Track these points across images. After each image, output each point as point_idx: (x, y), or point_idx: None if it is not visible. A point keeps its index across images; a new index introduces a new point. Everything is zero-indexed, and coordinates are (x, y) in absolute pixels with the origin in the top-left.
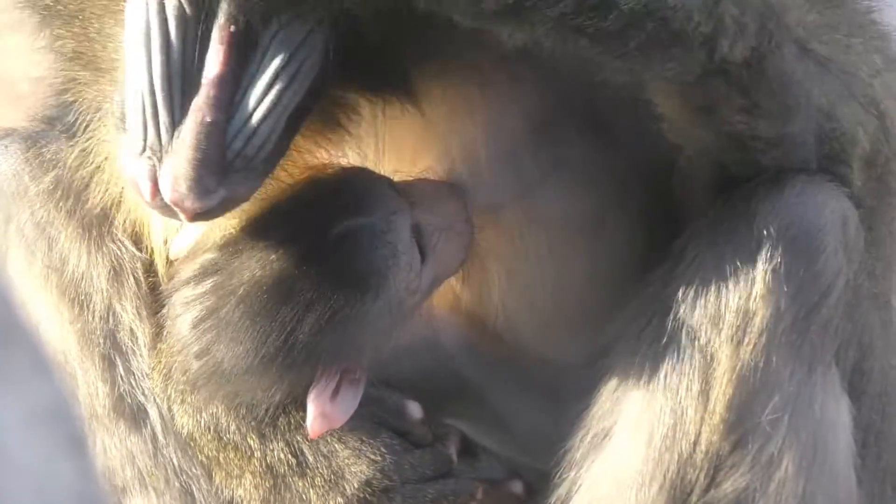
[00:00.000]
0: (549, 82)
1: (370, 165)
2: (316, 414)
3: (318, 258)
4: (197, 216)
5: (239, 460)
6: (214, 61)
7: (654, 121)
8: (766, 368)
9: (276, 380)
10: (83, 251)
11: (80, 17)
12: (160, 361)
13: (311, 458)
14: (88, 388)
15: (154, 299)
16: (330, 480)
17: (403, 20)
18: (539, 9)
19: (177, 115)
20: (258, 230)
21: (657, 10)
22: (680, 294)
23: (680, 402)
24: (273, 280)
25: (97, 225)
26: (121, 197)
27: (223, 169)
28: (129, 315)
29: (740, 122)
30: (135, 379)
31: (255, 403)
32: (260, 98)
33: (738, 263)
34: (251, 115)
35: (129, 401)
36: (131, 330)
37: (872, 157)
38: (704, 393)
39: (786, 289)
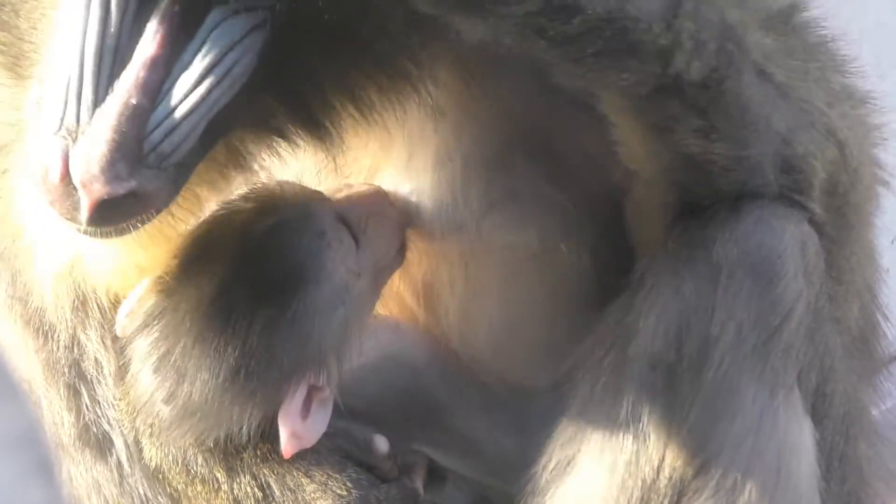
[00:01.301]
0: (502, 112)
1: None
2: (288, 434)
3: (249, 264)
4: (100, 207)
5: (206, 493)
6: (150, 42)
7: (609, 147)
8: (727, 393)
9: (246, 398)
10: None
11: (7, 7)
12: (127, 393)
13: (277, 492)
14: (54, 416)
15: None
16: None
17: (348, 26)
18: (505, 4)
19: (100, 95)
20: (186, 261)
21: (618, 19)
22: (640, 322)
23: (642, 428)
24: (212, 298)
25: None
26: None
27: (137, 158)
28: (94, 344)
29: (696, 145)
30: (100, 408)
31: (233, 430)
32: (188, 91)
33: (698, 291)
34: (176, 107)
35: (95, 430)
36: (96, 359)
37: (832, 187)
38: (666, 419)
39: (746, 314)
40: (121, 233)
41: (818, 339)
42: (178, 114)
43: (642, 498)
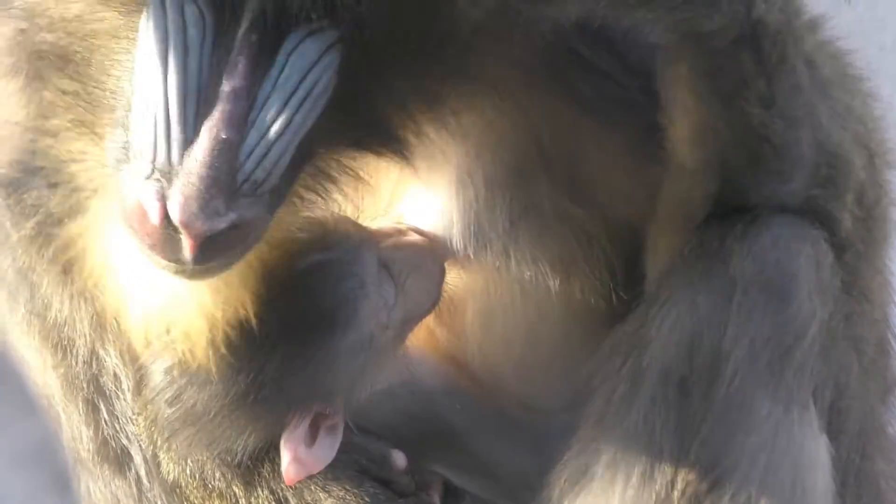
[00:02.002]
0: (524, 130)
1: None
2: (290, 459)
3: (286, 295)
4: (203, 244)
5: None
6: (233, 74)
7: (634, 166)
8: (741, 409)
9: (249, 421)
10: (66, 296)
11: (78, 57)
12: (146, 408)
13: None
14: (73, 432)
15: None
16: None
17: (417, 34)
18: None
19: (189, 133)
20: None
21: None
22: (654, 334)
23: (656, 441)
24: (241, 318)
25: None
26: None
27: (233, 191)
28: (113, 359)
29: (757, 114)
30: (119, 423)
31: (230, 448)
32: (274, 117)
33: (712, 304)
34: (264, 134)
35: (114, 444)
36: (115, 374)
37: (861, 194)
38: (680, 432)
39: (759, 331)
40: (224, 267)
41: (833, 357)
42: (267, 141)
43: None
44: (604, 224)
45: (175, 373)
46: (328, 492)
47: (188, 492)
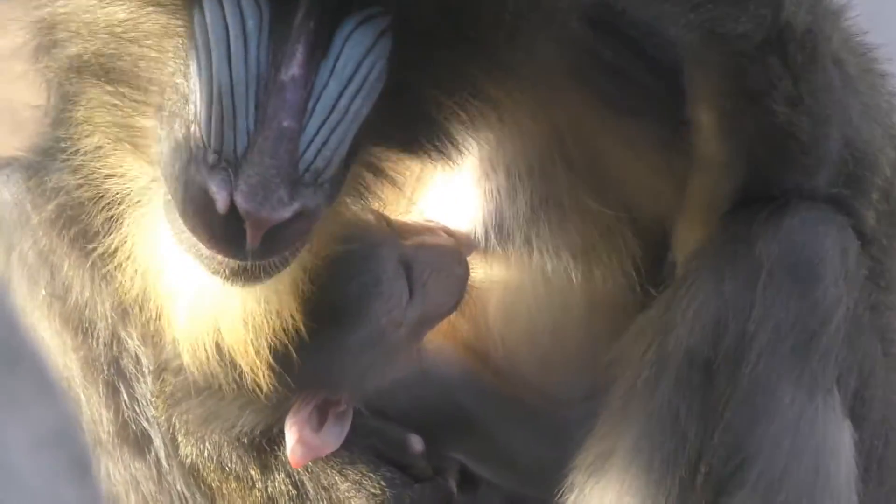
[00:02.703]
0: (545, 123)
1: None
2: (295, 440)
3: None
4: (266, 235)
5: (241, 491)
6: (292, 62)
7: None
8: (765, 393)
9: (250, 400)
10: (87, 279)
11: (122, 63)
12: (164, 391)
13: (311, 491)
14: (93, 414)
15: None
16: None
17: (464, 21)
18: None
19: (251, 123)
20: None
21: None
22: (679, 318)
23: (680, 425)
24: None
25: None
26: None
27: (296, 181)
28: (134, 342)
29: (784, 113)
30: (139, 405)
31: (228, 424)
32: (332, 104)
33: (738, 288)
34: (324, 122)
35: (134, 427)
36: (136, 356)
37: (887, 191)
38: (704, 416)
39: (784, 315)
40: (281, 266)
41: (857, 344)
42: (327, 128)
43: (679, 495)
44: (627, 216)
45: None
46: (344, 475)
47: (205, 474)
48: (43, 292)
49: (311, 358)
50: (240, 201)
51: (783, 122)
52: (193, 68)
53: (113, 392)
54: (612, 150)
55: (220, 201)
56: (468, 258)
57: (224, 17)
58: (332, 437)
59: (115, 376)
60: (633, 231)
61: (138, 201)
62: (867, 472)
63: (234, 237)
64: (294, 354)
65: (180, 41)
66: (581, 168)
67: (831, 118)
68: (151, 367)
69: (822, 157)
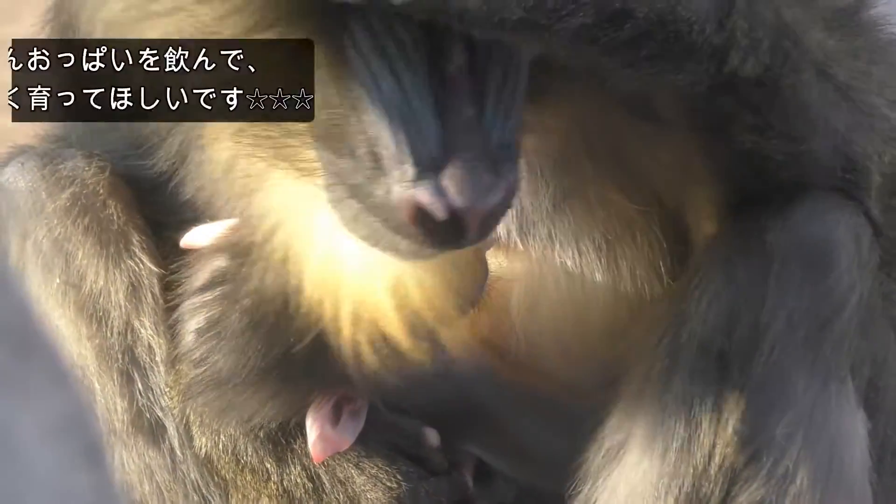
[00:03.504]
0: (566, 114)
1: None
2: (316, 436)
3: None
4: (483, 225)
5: (256, 483)
6: (452, 57)
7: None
8: (778, 382)
9: (271, 395)
10: (101, 267)
11: None
12: (179, 382)
13: (327, 484)
14: (107, 403)
15: (172, 317)
16: None
17: None
18: (559, 20)
19: (435, 124)
20: (275, 244)
21: (670, 22)
22: (692, 308)
23: (694, 415)
24: (282, 295)
25: (115, 242)
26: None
27: (494, 160)
28: (148, 331)
29: (750, 141)
30: (153, 394)
31: (245, 418)
32: (501, 81)
33: (750, 278)
34: (499, 100)
35: (148, 416)
36: (149, 346)
37: (892, 187)
38: (718, 406)
39: (797, 304)
40: (489, 244)
41: (871, 333)
42: (504, 104)
43: (693, 485)
44: (649, 209)
45: (207, 334)
46: (361, 469)
47: (219, 466)
48: (57, 281)
49: (335, 360)
50: (455, 201)
51: (753, 148)
52: (357, 95)
53: (127, 381)
54: (635, 143)
55: (438, 209)
56: (488, 254)
57: (379, 42)
58: (348, 432)
59: (129, 365)
60: (656, 224)
61: (291, 210)
62: (881, 462)
63: (454, 232)
64: (317, 353)
65: (333, 71)
66: (604, 162)
67: (809, 136)
68: (164, 357)
69: (807, 168)
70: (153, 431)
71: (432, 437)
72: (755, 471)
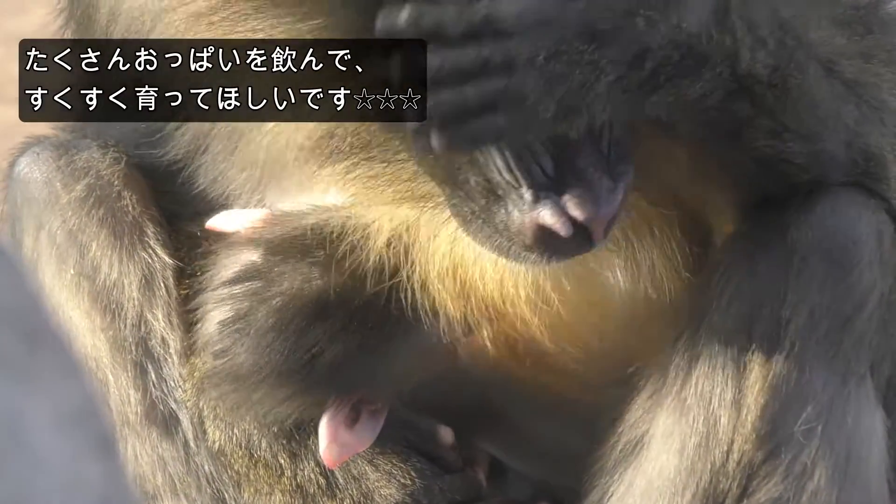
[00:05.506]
0: None
1: None
2: (328, 441)
3: (360, 286)
4: (607, 228)
5: (269, 478)
6: None
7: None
8: (798, 378)
9: (289, 395)
10: (115, 259)
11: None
12: (193, 376)
13: (341, 480)
14: (120, 394)
15: (185, 309)
16: (359, 503)
17: None
18: (589, 91)
19: (544, 144)
20: (308, 244)
21: (681, 43)
22: (713, 303)
23: (713, 411)
24: (311, 298)
25: (129, 233)
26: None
27: (608, 164)
28: (161, 323)
29: (768, 146)
30: (167, 386)
31: (262, 415)
32: None
33: (771, 273)
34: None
35: (161, 408)
36: (163, 338)
37: None
38: (737, 402)
39: (819, 299)
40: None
41: (891, 331)
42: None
43: (711, 481)
44: (669, 213)
45: (231, 328)
46: (375, 466)
47: (232, 460)
48: (71, 272)
49: (358, 359)
50: (578, 215)
51: (772, 153)
52: None
53: (141, 372)
54: (655, 151)
55: (562, 228)
56: None
57: None
58: (366, 434)
59: (143, 357)
60: (676, 224)
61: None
62: None
63: (581, 241)
64: (341, 356)
65: None
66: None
67: (822, 133)
68: (178, 349)
69: (824, 166)
70: (167, 423)
71: (446, 435)
72: (773, 467)
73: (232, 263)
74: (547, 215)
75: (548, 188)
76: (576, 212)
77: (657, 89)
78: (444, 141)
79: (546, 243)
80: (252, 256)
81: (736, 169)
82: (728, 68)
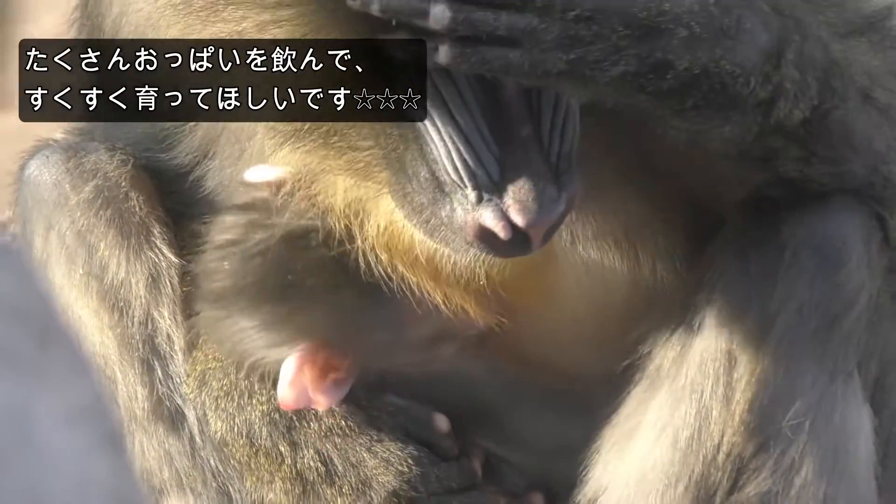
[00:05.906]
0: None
1: None
2: (289, 380)
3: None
4: (547, 234)
5: (269, 466)
6: (504, 86)
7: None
8: (787, 374)
9: (263, 322)
10: (122, 258)
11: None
12: (195, 369)
13: (339, 467)
14: (128, 391)
15: (189, 307)
16: (357, 489)
17: None
18: (602, 70)
19: (493, 149)
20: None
21: (715, 74)
22: (706, 298)
23: (704, 405)
24: (300, 234)
25: (136, 233)
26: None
27: (555, 174)
28: (167, 321)
29: (794, 170)
30: (173, 383)
31: (238, 339)
32: (552, 98)
33: (763, 270)
34: (554, 113)
35: (168, 404)
36: (168, 335)
37: None
38: (727, 395)
39: (808, 296)
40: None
41: (879, 331)
42: (558, 115)
43: (703, 474)
44: (669, 207)
45: (226, 250)
46: (373, 453)
47: (234, 450)
48: (80, 272)
49: (330, 306)
50: (519, 220)
51: (797, 177)
52: (418, 130)
53: (148, 369)
54: (656, 143)
55: (502, 231)
56: None
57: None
58: (325, 396)
59: (149, 354)
60: (679, 224)
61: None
62: (886, 457)
63: (520, 244)
64: (315, 299)
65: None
66: (626, 158)
67: (852, 158)
68: (183, 347)
69: (842, 185)
70: (173, 419)
71: (442, 422)
72: (762, 461)
73: (246, 195)
74: (488, 218)
75: (492, 191)
76: (516, 217)
77: (681, 113)
78: (453, 56)
79: (487, 242)
80: (261, 194)
81: (750, 181)
82: (761, 116)
